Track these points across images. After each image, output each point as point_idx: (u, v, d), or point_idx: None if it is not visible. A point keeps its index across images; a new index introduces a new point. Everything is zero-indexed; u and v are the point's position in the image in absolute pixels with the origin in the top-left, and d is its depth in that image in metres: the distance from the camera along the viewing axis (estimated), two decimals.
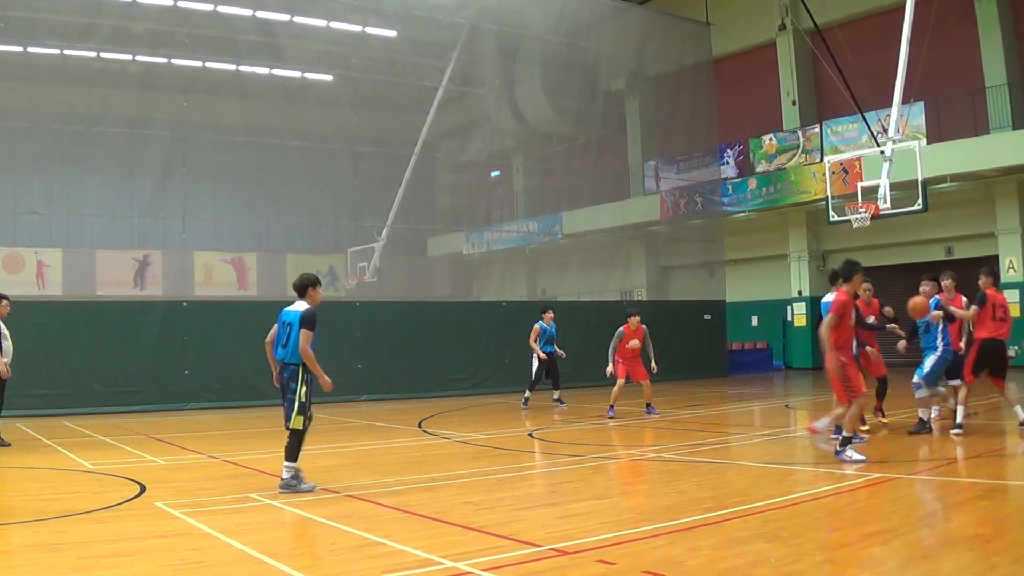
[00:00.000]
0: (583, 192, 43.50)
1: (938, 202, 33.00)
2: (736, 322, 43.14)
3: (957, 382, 17.39)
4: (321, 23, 37.57)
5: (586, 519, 10.38)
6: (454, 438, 19.07)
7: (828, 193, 30.90)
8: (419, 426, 21.24)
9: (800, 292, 42.79)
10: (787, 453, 16.17)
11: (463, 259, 50.72)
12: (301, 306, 12.68)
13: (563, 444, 18.26)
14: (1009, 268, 35.97)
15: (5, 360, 18.07)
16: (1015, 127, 34.59)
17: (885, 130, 29.44)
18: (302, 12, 36.31)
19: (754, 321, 45.62)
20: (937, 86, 35.52)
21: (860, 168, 32.00)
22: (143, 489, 12.51)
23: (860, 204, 28.83)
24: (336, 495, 11.94)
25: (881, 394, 18.55)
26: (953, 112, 35.99)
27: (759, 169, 42.29)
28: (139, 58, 37.65)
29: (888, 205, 27.84)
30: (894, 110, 28.45)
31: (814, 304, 38.95)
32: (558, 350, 25.05)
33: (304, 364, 12.39)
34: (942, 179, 34.38)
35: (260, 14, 35.73)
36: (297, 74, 39.60)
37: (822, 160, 35.71)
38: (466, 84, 42.55)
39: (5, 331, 18.30)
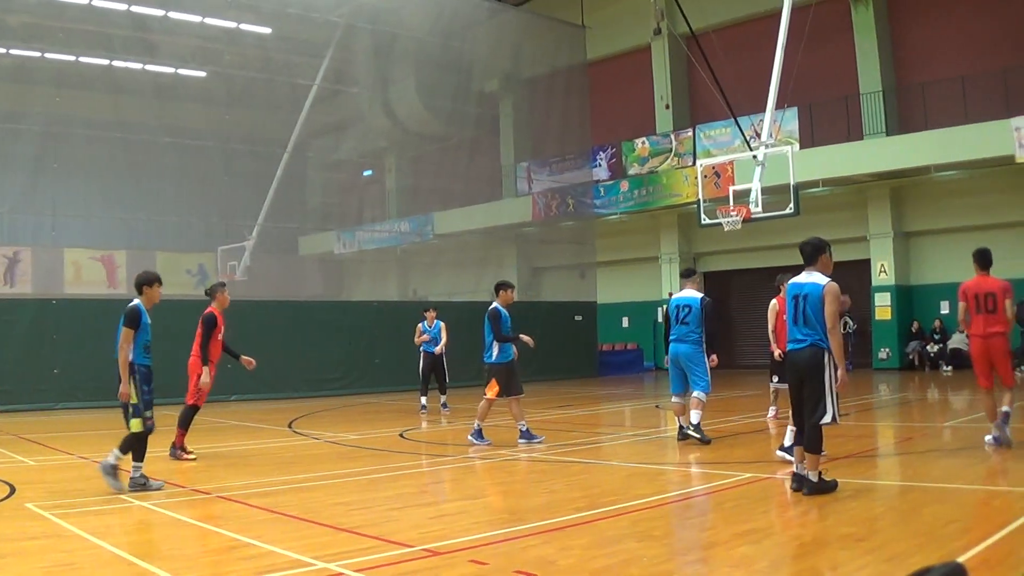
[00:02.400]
0: (455, 193, 43.50)
1: (811, 206, 33.45)
2: (607, 323, 43.43)
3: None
4: (195, 19, 37.13)
5: (458, 519, 10.48)
6: (325, 439, 19.06)
7: (700, 196, 31.22)
8: (290, 426, 21.19)
9: (671, 294, 43.13)
10: (658, 453, 16.33)
11: (334, 258, 50.46)
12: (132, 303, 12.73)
13: (434, 444, 18.32)
14: (881, 272, 36.67)
15: None
16: (888, 133, 35.26)
17: (758, 135, 29.75)
18: (176, 8, 35.85)
19: (625, 322, 45.93)
20: (812, 92, 36.03)
21: (732, 172, 32.48)
22: (13, 490, 12.40)
23: (732, 208, 29.15)
24: (207, 496, 11.89)
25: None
26: (827, 118, 36.58)
27: (631, 172, 42.58)
28: (12, 51, 37.01)
29: (760, 209, 28.15)
30: (767, 115, 28.80)
31: None
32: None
33: (131, 364, 12.37)
34: (815, 184, 34.95)
35: (135, 9, 35.27)
36: (170, 70, 39.14)
37: (694, 164, 36.05)
38: (340, 83, 42.40)
39: None
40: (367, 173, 50.93)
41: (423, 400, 24.81)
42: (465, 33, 42.29)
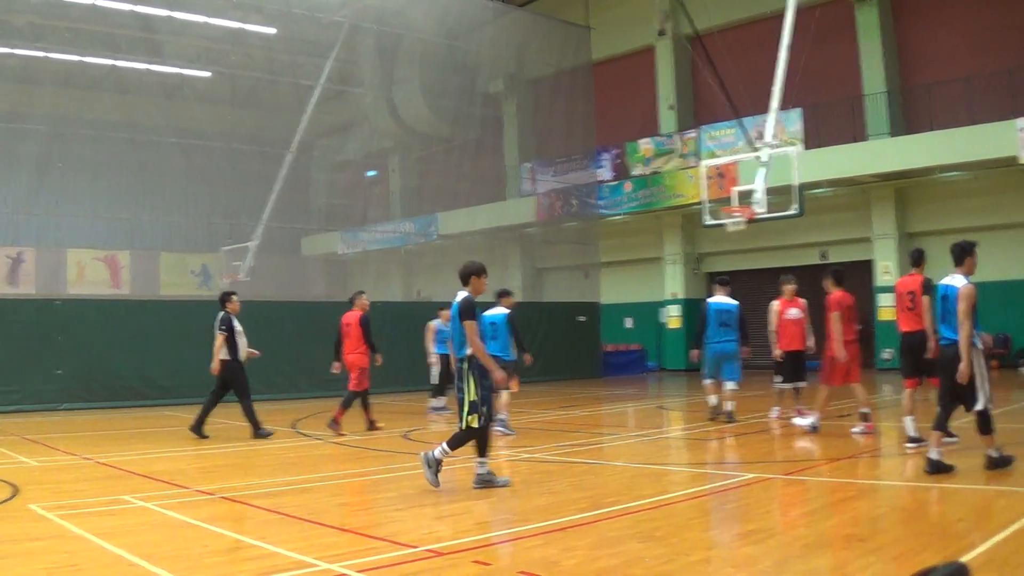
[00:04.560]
0: (459, 193, 43.52)
1: (814, 207, 33.50)
2: (610, 324, 43.41)
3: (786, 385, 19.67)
4: (200, 19, 37.17)
5: (461, 520, 10.51)
6: (328, 439, 19.04)
7: (703, 197, 31.22)
8: (293, 427, 21.19)
9: (674, 294, 43.14)
10: (661, 454, 16.34)
11: (338, 259, 50.52)
12: (460, 296, 12.60)
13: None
14: (884, 272, 36.61)
15: None
16: (893, 134, 35.25)
17: (762, 136, 29.74)
18: (182, 8, 35.88)
19: (628, 323, 45.91)
20: (816, 93, 36.09)
21: (736, 173, 32.45)
22: (16, 491, 12.37)
23: (735, 208, 29.12)
24: (210, 497, 11.89)
25: None
26: (831, 119, 36.56)
27: (635, 172, 42.56)
28: (18, 51, 37.05)
29: (763, 209, 28.11)
30: (771, 116, 28.77)
31: (688, 306, 39.41)
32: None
33: (468, 359, 12.27)
34: (818, 184, 34.95)
35: (140, 9, 35.31)
36: (176, 70, 39.19)
37: (698, 164, 35.98)
38: (344, 83, 42.43)
39: None
40: (371, 173, 50.98)
41: (443, 401, 24.71)
42: (470, 34, 42.31)
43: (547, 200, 44.73)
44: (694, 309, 33.87)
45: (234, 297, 20.12)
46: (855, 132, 36.35)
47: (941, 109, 34.12)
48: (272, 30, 39.28)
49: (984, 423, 12.07)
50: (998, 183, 33.98)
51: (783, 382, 19.84)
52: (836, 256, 38.94)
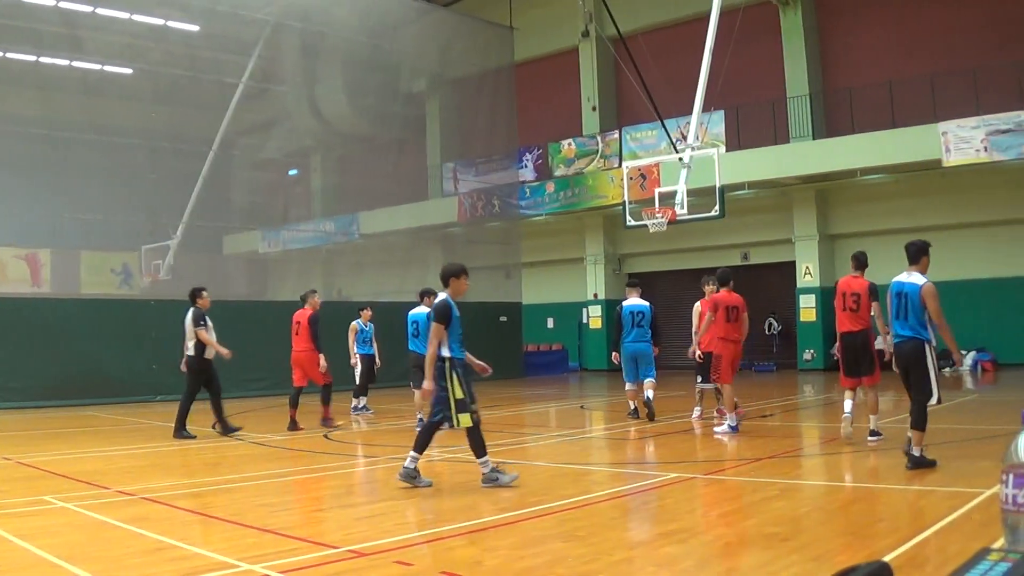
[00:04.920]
0: (381, 193, 43.39)
1: (736, 208, 33.77)
2: (532, 324, 43.52)
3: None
4: (124, 15, 36.85)
5: (383, 520, 10.46)
6: (249, 439, 18.97)
7: (625, 198, 31.30)
8: (214, 427, 21.05)
9: (596, 295, 43.33)
10: (583, 454, 16.39)
11: (259, 258, 50.26)
12: (440, 296, 12.72)
13: (359, 445, 18.29)
14: (806, 274, 37.03)
15: None
16: (815, 137, 35.61)
17: (684, 137, 29.88)
18: (105, 4, 35.59)
19: (550, 323, 46.05)
20: (739, 95, 36.31)
21: (658, 174, 32.59)
22: None
23: (657, 209, 29.22)
24: (131, 498, 11.76)
25: None
26: (754, 121, 36.85)
27: (557, 173, 42.64)
28: None
29: (685, 211, 28.23)
30: (694, 118, 28.88)
31: (610, 307, 39.52)
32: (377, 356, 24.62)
33: (449, 360, 12.25)
34: (741, 186, 35.20)
35: (63, 5, 35.03)
36: (97, 67, 38.80)
37: (620, 165, 36.18)
38: (267, 81, 42.19)
39: None
40: (293, 172, 50.76)
41: (364, 401, 24.60)
42: (393, 33, 42.20)
43: (469, 200, 44.73)
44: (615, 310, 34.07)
45: (204, 293, 20.10)
46: (777, 134, 36.67)
47: (864, 112, 34.47)
48: (195, 27, 38.98)
49: (921, 418, 12.35)
50: (920, 186, 34.39)
51: (704, 382, 19.94)
52: (758, 257, 39.36)
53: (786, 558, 8.05)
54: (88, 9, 35.66)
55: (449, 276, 12.75)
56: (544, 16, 45.26)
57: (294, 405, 21.01)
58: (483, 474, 12.20)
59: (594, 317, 43.38)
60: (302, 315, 21.47)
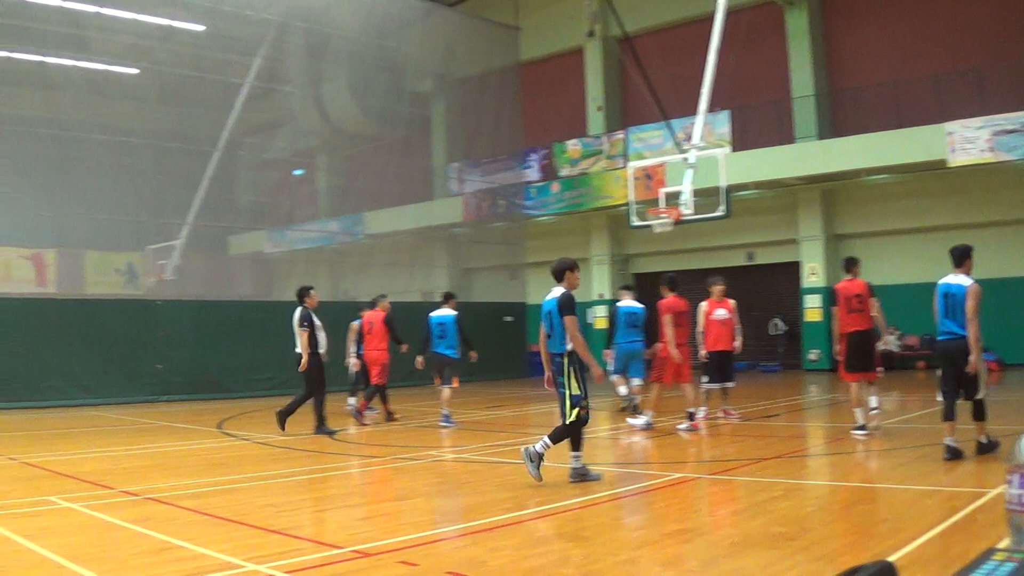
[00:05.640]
0: (387, 193, 43.35)
1: (741, 208, 33.74)
2: (537, 324, 43.37)
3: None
4: (129, 15, 36.82)
5: (388, 520, 10.48)
6: (254, 439, 18.96)
7: (631, 198, 31.24)
8: (219, 427, 21.06)
9: (601, 295, 43.21)
10: (588, 454, 16.25)
11: (264, 258, 50.23)
12: (558, 292, 12.61)
13: (364, 446, 18.26)
14: (811, 274, 37.01)
15: None
16: (820, 137, 35.58)
17: (689, 137, 29.86)
18: (110, 4, 35.57)
19: None
20: (744, 95, 36.33)
21: (663, 174, 32.49)
22: None
23: (662, 209, 29.20)
24: (136, 498, 11.77)
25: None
26: (759, 121, 36.85)
27: (563, 173, 42.58)
28: None
29: (690, 211, 28.19)
30: (699, 118, 28.85)
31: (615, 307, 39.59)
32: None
33: (568, 354, 12.28)
34: (746, 186, 35.16)
35: (68, 5, 35.00)
36: (103, 67, 38.78)
37: (625, 166, 36.15)
38: (272, 81, 42.18)
39: None
40: (298, 172, 50.69)
41: (354, 401, 24.46)
42: (398, 33, 42.18)
43: (474, 200, 44.73)
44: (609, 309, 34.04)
45: (312, 291, 20.40)
46: (783, 135, 36.63)
47: (869, 112, 34.47)
48: (200, 27, 38.95)
49: (979, 411, 13.04)
50: (924, 186, 34.35)
51: (710, 382, 19.96)
52: (763, 258, 39.34)
53: (791, 558, 8.04)
54: (93, 9, 35.61)
55: (564, 270, 12.85)
56: (549, 16, 45.27)
57: (384, 400, 22.69)
58: (573, 468, 12.32)
59: (599, 317, 43.26)
60: (375, 316, 22.63)
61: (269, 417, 20.07)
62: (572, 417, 12.20)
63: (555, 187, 42.06)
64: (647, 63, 31.69)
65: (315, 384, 19.65)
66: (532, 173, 44.20)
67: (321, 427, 19.43)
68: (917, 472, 12.22)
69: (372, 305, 23.23)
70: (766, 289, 39.48)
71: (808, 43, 37.43)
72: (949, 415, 13.00)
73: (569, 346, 12.24)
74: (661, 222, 29.12)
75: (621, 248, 43.63)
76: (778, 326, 39.66)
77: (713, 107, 29.44)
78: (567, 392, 12.24)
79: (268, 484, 13.13)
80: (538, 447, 12.13)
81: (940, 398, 13.15)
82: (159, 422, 22.99)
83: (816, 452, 15.92)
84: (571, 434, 12.32)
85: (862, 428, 15.88)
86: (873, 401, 16.35)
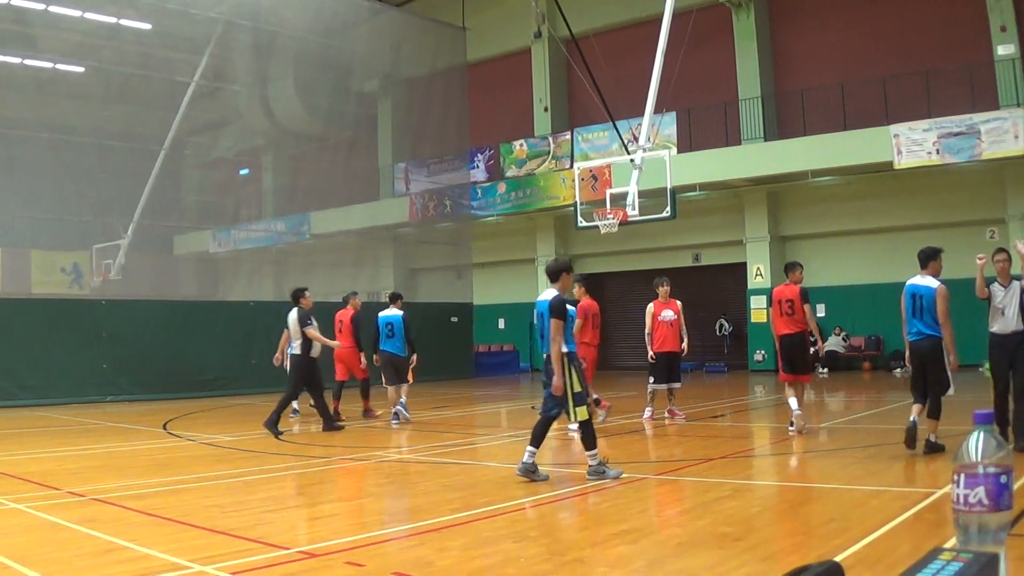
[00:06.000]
0: (333, 193, 43.28)
1: (688, 210, 33.92)
2: (483, 324, 43.51)
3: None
4: (76, 13, 36.65)
5: (334, 521, 10.47)
6: (200, 440, 18.87)
7: (577, 199, 31.25)
8: (165, 428, 20.96)
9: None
10: (537, 454, 16.42)
11: (210, 258, 50.01)
12: (550, 293, 12.64)
13: (310, 446, 18.19)
14: (757, 275, 37.21)
15: None
16: (767, 139, 35.77)
17: (636, 139, 29.92)
18: (57, 2, 35.40)
19: (501, 323, 46.05)
20: (691, 97, 36.45)
21: (610, 175, 32.57)
22: None
23: (608, 210, 29.23)
24: (82, 499, 11.68)
25: None
26: (706, 123, 37.04)
27: (509, 174, 42.68)
28: None
29: (636, 212, 28.24)
30: (645, 119, 28.88)
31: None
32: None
33: (567, 355, 12.34)
34: (692, 188, 35.29)
35: (15, 2, 34.79)
36: (49, 65, 38.55)
37: (572, 166, 36.25)
38: (218, 80, 42.00)
39: None
40: (244, 172, 50.52)
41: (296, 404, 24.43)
42: (345, 32, 42.11)
43: (420, 200, 44.74)
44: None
45: (307, 293, 20.33)
46: (729, 136, 36.84)
47: (815, 114, 34.69)
48: (147, 25, 38.74)
49: (936, 409, 13.49)
50: (870, 188, 34.62)
51: (656, 383, 20.03)
52: (709, 259, 39.56)
53: (738, 558, 8.06)
54: (40, 7, 35.43)
55: (561, 271, 12.93)
56: (496, 17, 45.32)
57: (337, 397, 22.54)
58: (590, 466, 12.32)
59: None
60: (344, 315, 22.88)
61: (215, 418, 20.05)
62: (583, 415, 12.29)
63: (501, 187, 42.12)
64: (594, 64, 31.73)
65: (309, 385, 19.80)
66: (478, 173, 44.28)
67: (329, 424, 19.70)
68: (864, 472, 12.30)
69: (344, 303, 23.47)
70: (712, 290, 39.68)
71: (755, 45, 37.68)
72: (933, 413, 13.54)
73: (564, 347, 12.33)
74: (607, 223, 29.13)
75: (567, 249, 43.67)
76: (724, 327, 39.83)
77: (660, 108, 29.47)
78: (569, 392, 12.27)
79: (214, 485, 13.07)
80: (525, 459, 12.34)
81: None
82: (105, 422, 22.86)
83: (762, 452, 15.99)
84: (584, 433, 12.38)
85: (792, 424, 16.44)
86: (793, 403, 16.44)
